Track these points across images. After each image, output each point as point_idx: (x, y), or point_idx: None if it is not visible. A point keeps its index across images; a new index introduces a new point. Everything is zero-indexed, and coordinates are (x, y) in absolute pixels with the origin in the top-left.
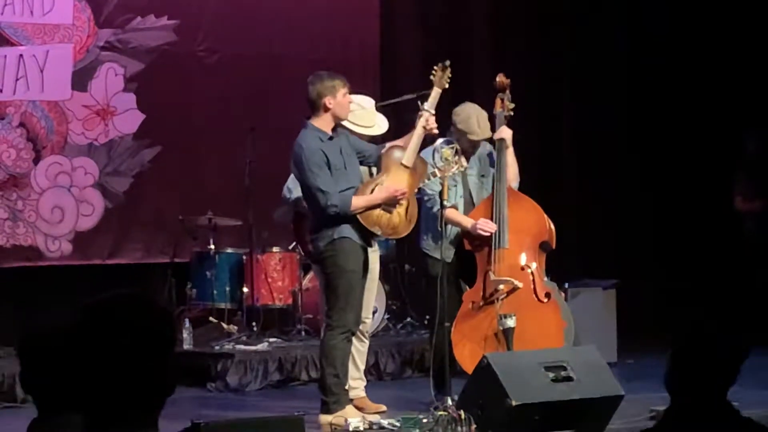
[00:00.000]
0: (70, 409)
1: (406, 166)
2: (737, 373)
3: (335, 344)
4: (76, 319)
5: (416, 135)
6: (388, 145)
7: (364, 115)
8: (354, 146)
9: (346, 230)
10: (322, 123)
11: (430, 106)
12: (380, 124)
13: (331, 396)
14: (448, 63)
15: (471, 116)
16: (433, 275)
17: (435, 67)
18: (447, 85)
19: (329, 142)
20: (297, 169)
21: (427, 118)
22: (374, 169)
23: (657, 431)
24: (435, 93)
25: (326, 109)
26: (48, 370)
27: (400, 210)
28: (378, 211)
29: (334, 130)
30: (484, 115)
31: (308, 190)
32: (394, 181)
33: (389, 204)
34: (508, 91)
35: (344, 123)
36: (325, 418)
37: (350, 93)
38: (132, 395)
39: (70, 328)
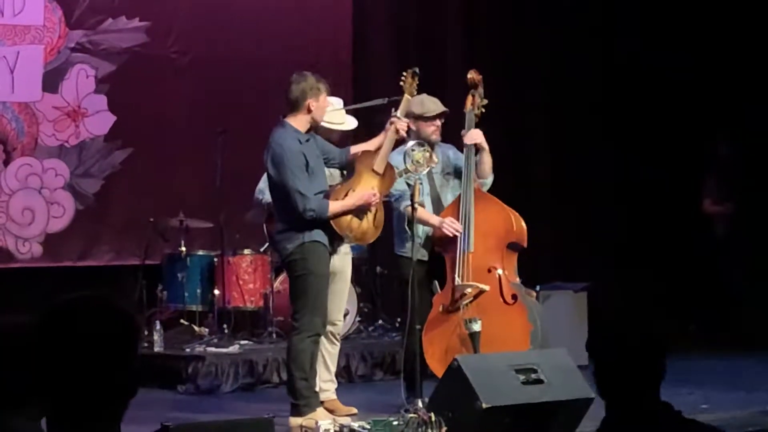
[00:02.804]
0: (14, 410)
1: (377, 172)
2: (663, 368)
3: (304, 348)
4: (38, 321)
5: (387, 141)
6: (354, 148)
7: (334, 113)
8: (321, 148)
9: (317, 234)
10: (300, 123)
11: (401, 113)
12: (349, 121)
13: (302, 399)
14: (417, 70)
15: (422, 99)
16: (408, 278)
17: (404, 74)
18: (416, 93)
19: (307, 144)
20: (275, 169)
21: (397, 125)
22: (335, 171)
23: None
24: (405, 100)
25: (308, 111)
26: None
27: (368, 216)
28: (349, 217)
29: (308, 131)
30: (432, 97)
31: (285, 191)
32: (365, 187)
33: (362, 209)
34: (480, 88)
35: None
36: (295, 421)
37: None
38: (93, 397)
39: (34, 330)
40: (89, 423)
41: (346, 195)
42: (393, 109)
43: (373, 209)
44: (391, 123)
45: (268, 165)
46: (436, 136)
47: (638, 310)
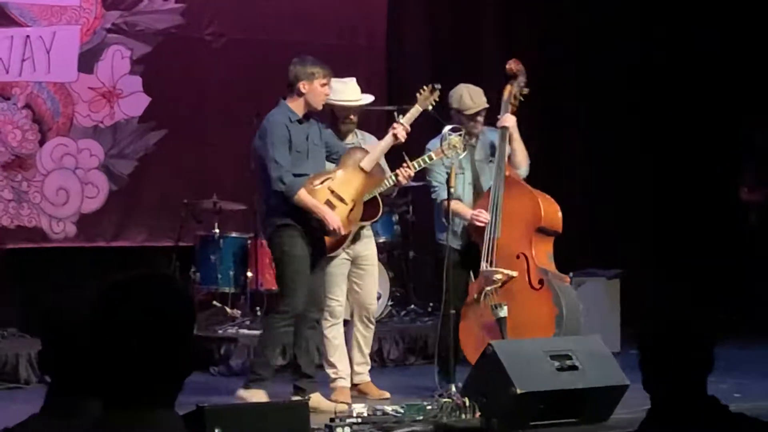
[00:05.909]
0: (88, 391)
1: (363, 170)
2: (712, 359)
3: (277, 329)
4: (97, 297)
5: (383, 143)
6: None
7: (347, 90)
8: (325, 140)
9: (289, 217)
10: (295, 105)
11: (406, 120)
12: (365, 97)
13: (252, 374)
14: (438, 86)
15: (462, 93)
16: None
17: (424, 87)
18: (430, 108)
19: (297, 124)
20: (260, 140)
21: (397, 131)
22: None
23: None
24: (414, 110)
25: (299, 94)
26: (71, 349)
27: (344, 209)
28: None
29: (306, 117)
30: (476, 89)
31: (263, 160)
32: (347, 180)
33: (324, 227)
34: (520, 78)
35: (331, 101)
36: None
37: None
38: (151, 375)
39: (93, 306)
40: (148, 397)
41: (323, 182)
42: (399, 115)
43: (350, 204)
44: (393, 128)
45: (255, 139)
46: (477, 129)
47: (686, 301)
